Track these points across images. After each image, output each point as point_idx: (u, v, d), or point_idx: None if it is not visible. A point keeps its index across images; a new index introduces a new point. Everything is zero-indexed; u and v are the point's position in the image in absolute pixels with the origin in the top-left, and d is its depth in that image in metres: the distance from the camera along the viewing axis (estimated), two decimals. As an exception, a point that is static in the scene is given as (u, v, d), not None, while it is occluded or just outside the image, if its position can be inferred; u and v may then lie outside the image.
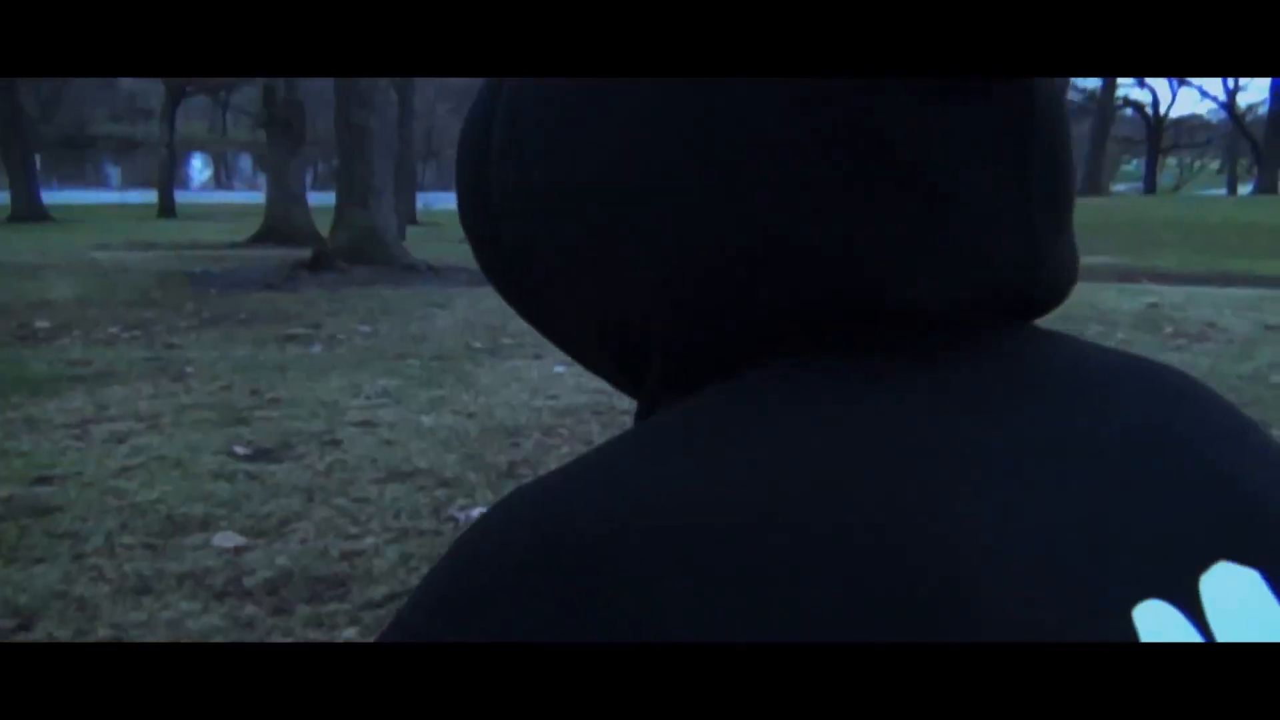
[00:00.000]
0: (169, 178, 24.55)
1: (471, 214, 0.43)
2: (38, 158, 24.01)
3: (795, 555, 0.29)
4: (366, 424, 4.09)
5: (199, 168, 48.68)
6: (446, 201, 33.77)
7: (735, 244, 0.36)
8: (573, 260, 0.39)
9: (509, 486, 3.13)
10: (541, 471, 1.06)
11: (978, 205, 0.36)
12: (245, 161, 50.82)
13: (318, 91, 14.79)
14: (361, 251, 9.09)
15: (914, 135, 0.35)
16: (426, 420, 4.17)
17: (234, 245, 13.11)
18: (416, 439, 3.89)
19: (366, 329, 6.31)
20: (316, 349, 5.68)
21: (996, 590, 0.29)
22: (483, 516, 0.33)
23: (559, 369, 5.32)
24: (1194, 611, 0.32)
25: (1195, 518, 0.34)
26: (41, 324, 6.23)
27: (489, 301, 7.69)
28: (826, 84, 0.35)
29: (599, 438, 3.86)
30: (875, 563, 0.29)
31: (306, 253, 10.10)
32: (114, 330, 6.11)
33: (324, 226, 11.95)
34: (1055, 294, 0.41)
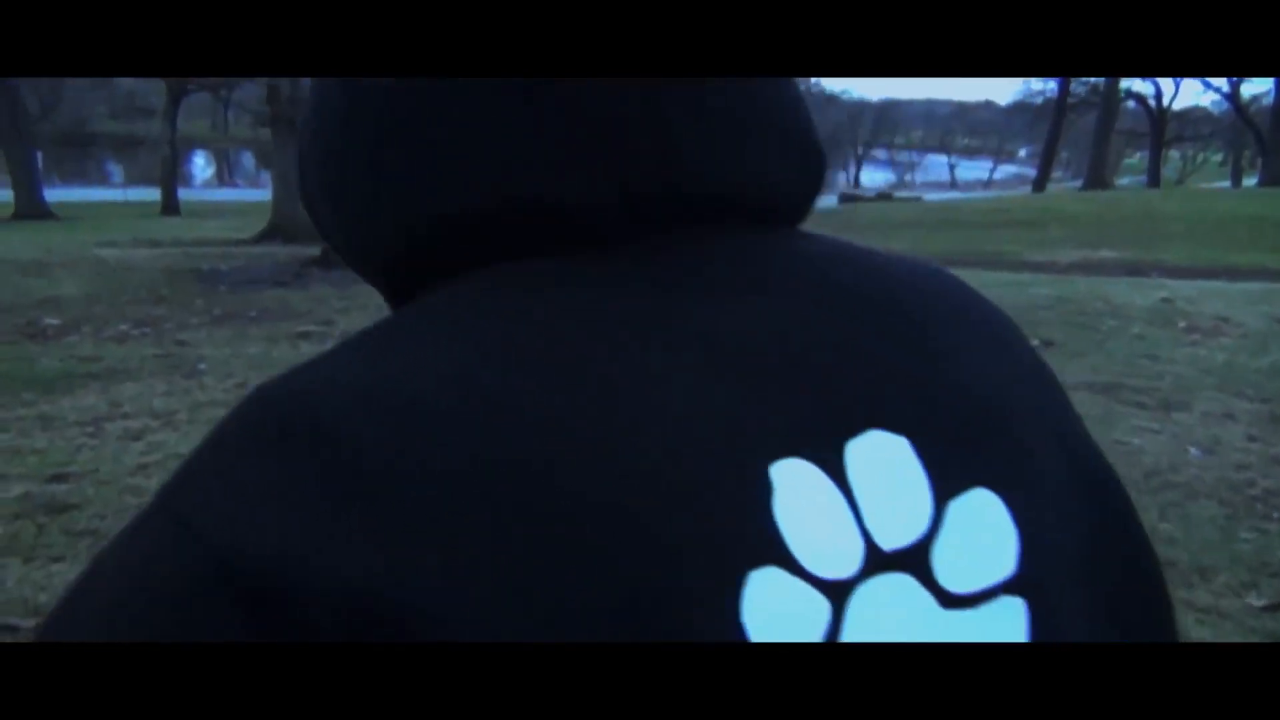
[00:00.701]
0: (172, 175, 24.53)
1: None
2: (39, 155, 23.98)
3: (447, 434, 0.33)
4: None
5: (201, 165, 48.65)
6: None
7: (404, 160, 0.41)
8: (316, 195, 0.47)
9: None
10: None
11: (606, 111, 0.40)
12: (248, 159, 50.86)
13: (322, 88, 14.71)
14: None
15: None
16: (442, 417, 4.15)
17: (240, 242, 13.08)
18: (433, 436, 3.87)
19: (377, 325, 6.30)
20: (330, 346, 5.67)
21: (643, 450, 0.34)
22: None
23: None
24: (835, 470, 0.36)
25: (856, 392, 0.39)
26: (50, 321, 6.21)
27: (498, 297, 7.67)
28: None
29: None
30: (533, 440, 0.33)
31: (314, 250, 10.08)
32: (124, 328, 6.08)
33: (329, 223, 11.82)
34: (763, 196, 0.44)
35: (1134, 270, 10.05)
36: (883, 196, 30.57)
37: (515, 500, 0.32)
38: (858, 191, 36.61)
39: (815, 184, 0.48)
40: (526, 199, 0.40)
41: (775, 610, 0.33)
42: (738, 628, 0.33)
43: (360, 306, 7.03)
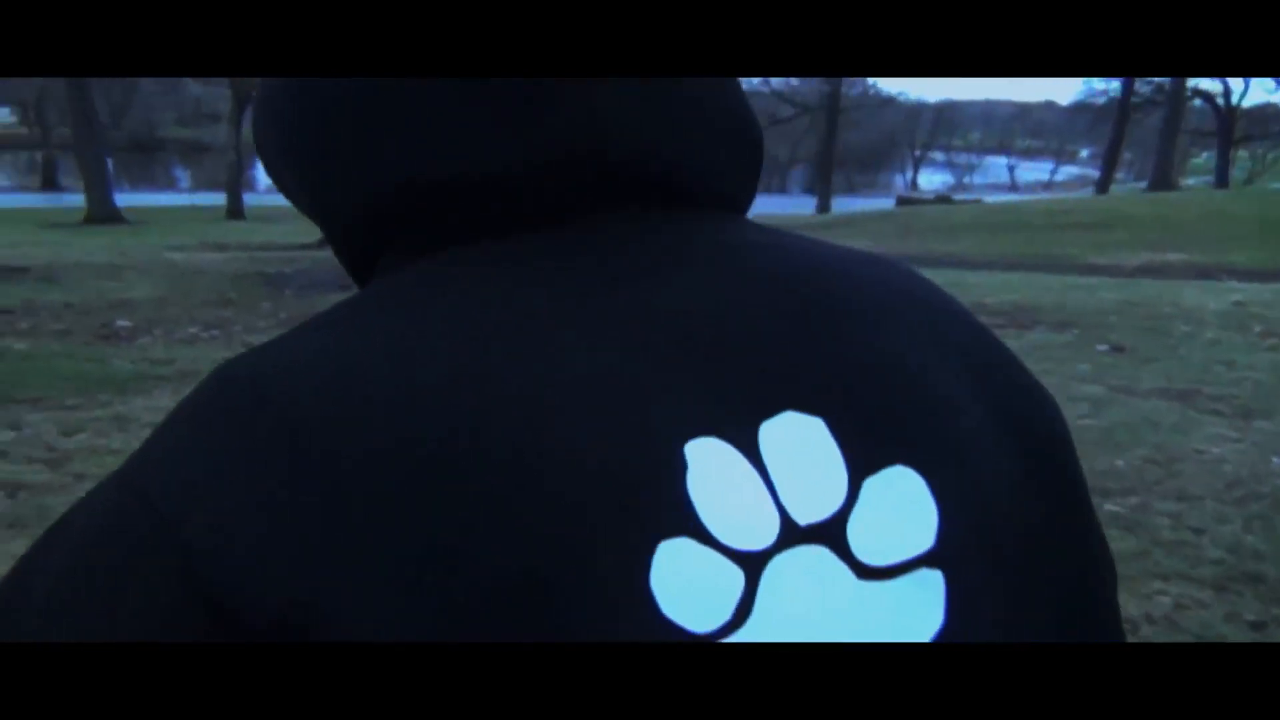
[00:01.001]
0: (237, 180, 25.03)
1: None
2: (110, 161, 24.63)
3: (386, 418, 0.35)
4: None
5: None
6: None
7: (346, 140, 0.44)
8: (283, 173, 0.49)
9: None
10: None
11: (531, 85, 0.42)
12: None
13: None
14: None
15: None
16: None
17: (304, 247, 13.29)
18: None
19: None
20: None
21: (560, 430, 0.36)
22: None
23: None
24: (750, 449, 0.38)
25: (773, 374, 0.40)
26: (122, 323, 6.36)
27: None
28: None
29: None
30: (461, 422, 0.35)
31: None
32: (194, 330, 6.21)
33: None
34: (696, 178, 0.46)
35: (1203, 273, 9.80)
36: (941, 199, 30.17)
37: (441, 483, 0.34)
38: (915, 194, 36.21)
39: (751, 170, 0.49)
40: (459, 171, 0.42)
41: (686, 579, 0.35)
42: (647, 596, 0.34)
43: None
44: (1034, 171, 60.73)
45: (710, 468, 0.37)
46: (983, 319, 0.48)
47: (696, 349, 0.40)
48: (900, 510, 0.39)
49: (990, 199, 30.25)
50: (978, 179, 58.93)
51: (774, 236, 0.47)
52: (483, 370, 0.37)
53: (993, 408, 0.44)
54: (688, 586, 0.35)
